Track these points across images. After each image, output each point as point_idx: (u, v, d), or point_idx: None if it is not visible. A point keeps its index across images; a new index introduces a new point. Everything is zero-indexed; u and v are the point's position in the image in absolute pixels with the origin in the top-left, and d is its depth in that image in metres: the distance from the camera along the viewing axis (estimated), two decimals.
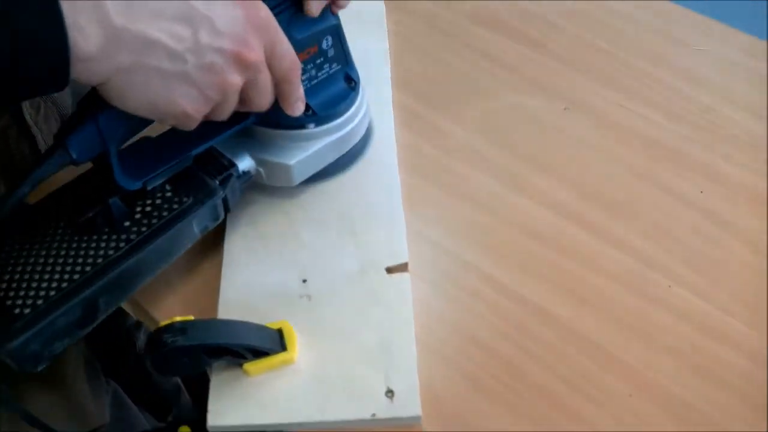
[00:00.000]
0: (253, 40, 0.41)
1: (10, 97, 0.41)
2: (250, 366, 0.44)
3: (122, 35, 0.36)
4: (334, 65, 0.51)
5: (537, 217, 0.54)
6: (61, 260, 0.43)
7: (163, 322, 0.43)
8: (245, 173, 0.50)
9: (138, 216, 0.45)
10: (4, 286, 0.41)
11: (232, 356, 0.44)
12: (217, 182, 0.48)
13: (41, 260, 0.43)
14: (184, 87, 0.40)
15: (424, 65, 0.67)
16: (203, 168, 0.48)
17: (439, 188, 0.56)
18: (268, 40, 0.42)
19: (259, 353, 0.44)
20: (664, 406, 0.44)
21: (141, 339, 0.49)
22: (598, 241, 0.53)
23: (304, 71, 0.49)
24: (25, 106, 0.58)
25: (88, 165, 0.44)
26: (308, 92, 0.49)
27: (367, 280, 0.49)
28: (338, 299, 0.48)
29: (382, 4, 0.72)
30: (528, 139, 0.60)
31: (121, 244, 0.44)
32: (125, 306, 0.51)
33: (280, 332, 0.46)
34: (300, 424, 0.43)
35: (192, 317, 0.44)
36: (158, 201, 0.46)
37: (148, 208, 0.46)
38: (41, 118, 0.59)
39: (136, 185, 0.45)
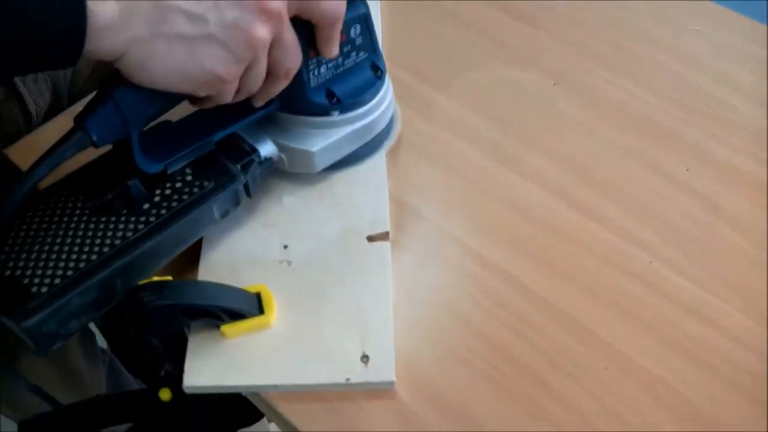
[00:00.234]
0: None
1: (21, 67, 0.40)
2: (227, 328, 0.44)
3: (138, 3, 0.35)
4: (362, 54, 0.50)
5: (522, 191, 0.54)
6: (78, 241, 0.42)
7: (142, 282, 0.43)
8: (267, 159, 0.50)
9: (157, 199, 0.45)
10: (21, 264, 0.41)
11: (209, 318, 0.44)
12: (239, 167, 0.47)
13: (59, 240, 0.42)
14: (212, 49, 0.38)
15: (415, 37, 0.66)
16: (225, 153, 0.48)
17: (425, 160, 0.56)
18: None
19: (236, 315, 0.44)
20: (638, 381, 0.44)
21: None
22: (582, 217, 0.53)
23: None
24: None
25: (108, 146, 0.43)
26: (334, 80, 0.49)
27: (347, 247, 0.49)
28: (318, 265, 0.49)
29: None
30: (517, 113, 0.60)
31: (140, 226, 0.43)
32: None
33: (258, 296, 0.46)
34: (275, 386, 0.44)
35: (170, 278, 0.44)
36: (178, 185, 0.46)
37: (168, 192, 0.45)
38: (30, 78, 0.59)
39: (157, 168, 0.45)
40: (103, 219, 0.44)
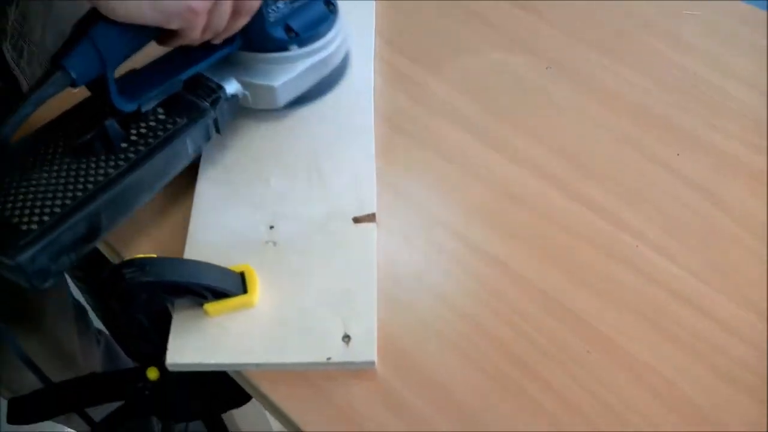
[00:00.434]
0: None
1: None
2: (211, 306, 0.45)
3: None
4: None
5: (510, 176, 0.54)
6: (63, 180, 0.44)
7: (125, 259, 0.43)
8: (233, 96, 0.52)
9: (134, 138, 0.47)
10: (9, 206, 0.43)
11: (193, 296, 0.44)
12: (207, 103, 0.50)
13: (44, 181, 0.44)
14: None
15: (407, 19, 0.66)
16: (193, 92, 0.51)
17: (415, 142, 0.56)
18: None
19: (219, 294, 0.44)
20: (623, 366, 0.44)
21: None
22: (574, 204, 0.52)
23: None
24: (7, 48, 0.58)
25: (85, 94, 0.47)
26: (291, 15, 0.52)
27: (333, 228, 0.49)
28: (303, 246, 0.49)
29: None
30: (508, 96, 0.59)
31: (120, 163, 0.46)
32: (100, 247, 0.52)
33: (242, 275, 0.46)
34: (257, 365, 0.44)
35: (154, 255, 0.44)
36: (152, 123, 0.48)
37: (143, 130, 0.48)
38: (24, 61, 0.59)
39: (131, 107, 0.47)
40: (85, 159, 0.46)
